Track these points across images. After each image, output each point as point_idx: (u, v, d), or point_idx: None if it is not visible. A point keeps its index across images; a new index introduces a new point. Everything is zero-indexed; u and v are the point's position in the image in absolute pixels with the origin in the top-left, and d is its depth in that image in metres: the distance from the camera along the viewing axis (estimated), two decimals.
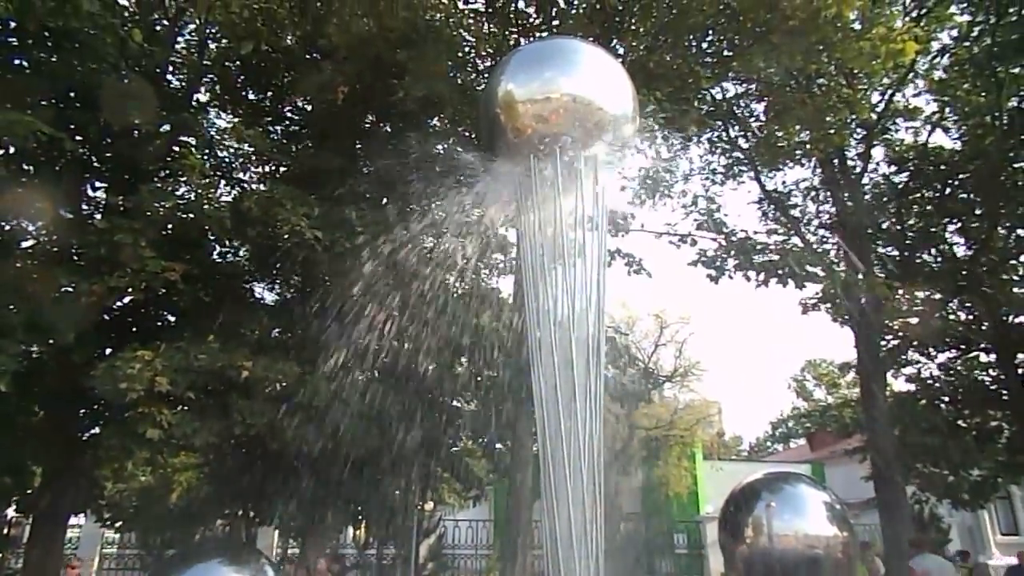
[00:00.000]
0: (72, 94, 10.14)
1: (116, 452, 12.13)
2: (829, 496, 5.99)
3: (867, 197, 16.46)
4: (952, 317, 17.25)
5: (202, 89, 12.46)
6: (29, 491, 11.43)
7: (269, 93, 12.21)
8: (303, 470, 9.76)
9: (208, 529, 13.32)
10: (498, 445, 15.08)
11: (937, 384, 17.86)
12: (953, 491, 17.13)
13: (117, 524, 14.21)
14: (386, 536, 17.14)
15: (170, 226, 9.76)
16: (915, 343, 17.40)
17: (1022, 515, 24.85)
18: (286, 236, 9.11)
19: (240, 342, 9.43)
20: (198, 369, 8.59)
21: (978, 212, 15.90)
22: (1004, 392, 16.93)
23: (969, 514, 23.58)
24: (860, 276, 14.28)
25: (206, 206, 9.60)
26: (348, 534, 21.01)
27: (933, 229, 16.58)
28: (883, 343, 16.74)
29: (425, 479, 11.65)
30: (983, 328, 16.82)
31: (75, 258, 9.38)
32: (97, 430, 11.42)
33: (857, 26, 11.02)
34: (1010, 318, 16.44)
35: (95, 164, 10.82)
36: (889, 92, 15.66)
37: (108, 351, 9.71)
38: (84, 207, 10.99)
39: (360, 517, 13.66)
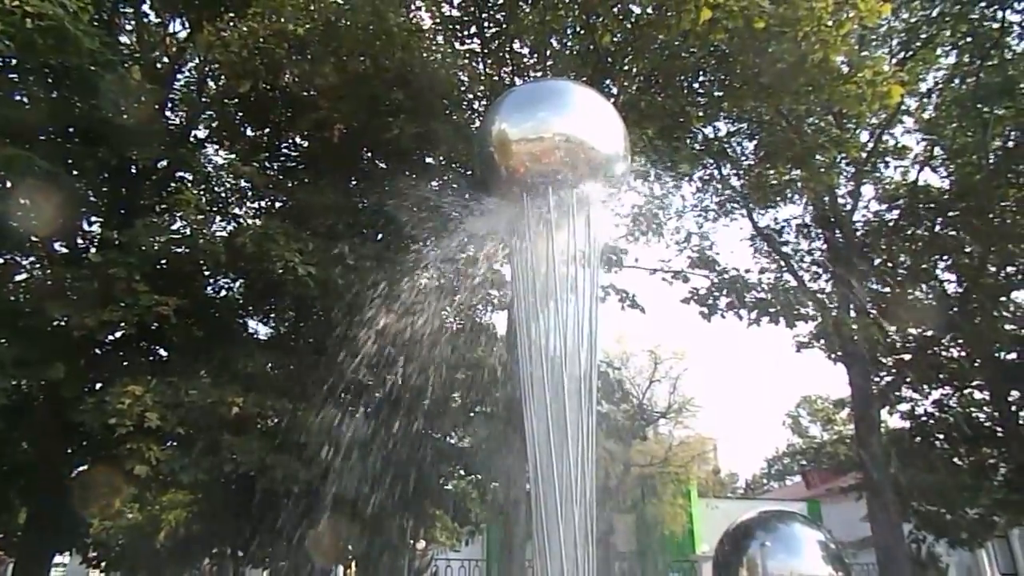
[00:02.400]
0: (70, 129, 10.24)
1: (104, 489, 11.99)
2: (824, 535, 5.95)
3: (858, 234, 16.62)
4: (944, 354, 17.30)
5: (200, 125, 12.60)
6: (13, 528, 11.23)
7: (266, 130, 12.35)
8: (292, 509, 9.61)
9: (195, 569, 13.07)
10: (492, 484, 14.92)
11: (932, 421, 17.83)
12: (951, 530, 16.98)
13: (102, 564, 13.91)
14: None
15: (164, 261, 9.77)
16: (908, 380, 17.41)
17: (1020, 554, 24.54)
18: (279, 271, 9.12)
19: (232, 378, 9.36)
20: (188, 405, 8.52)
21: (968, 249, 16.06)
22: (999, 429, 16.91)
23: (967, 553, 23.33)
24: (853, 314, 14.36)
25: (201, 241, 9.62)
26: (339, 573, 20.63)
27: (924, 266, 16.72)
28: (876, 380, 16.75)
29: (418, 517, 11.48)
30: (975, 365, 16.86)
31: (68, 292, 9.35)
32: (85, 467, 11.29)
33: (845, 69, 11.26)
34: (1002, 355, 16.48)
35: (91, 199, 10.88)
36: (878, 132, 15.94)
37: (98, 386, 9.64)
38: (79, 241, 11.01)
39: (350, 557, 13.43)
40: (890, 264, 16.90)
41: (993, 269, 16.04)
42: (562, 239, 5.03)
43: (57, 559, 19.19)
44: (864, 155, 15.74)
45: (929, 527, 17.35)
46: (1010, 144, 14.74)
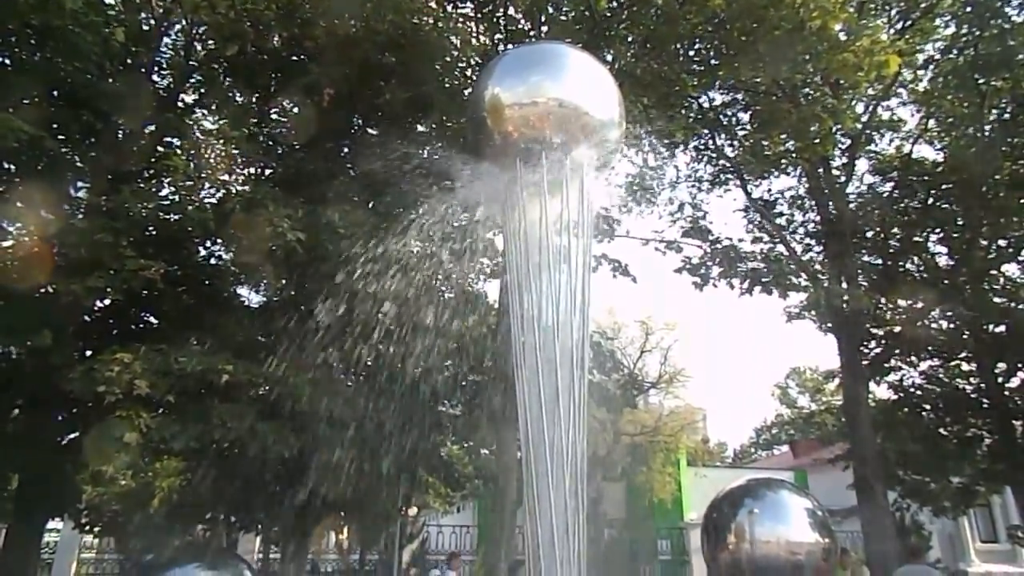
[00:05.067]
0: (55, 93, 10.02)
1: (95, 456, 11.99)
2: (811, 503, 6.02)
3: (852, 206, 16.61)
4: (934, 326, 17.43)
5: (188, 90, 12.36)
6: (5, 495, 11.23)
7: (255, 95, 12.13)
8: (285, 476, 9.65)
9: (188, 535, 13.16)
10: (483, 450, 15.05)
11: (919, 392, 18.03)
12: (934, 498, 17.29)
13: (95, 529, 13.99)
14: (369, 542, 17.05)
15: (152, 227, 9.64)
16: (898, 351, 17.56)
17: (1001, 522, 25.06)
18: (269, 238, 9.03)
19: (222, 345, 9.31)
20: (178, 372, 8.47)
21: (960, 222, 16.09)
22: (984, 400, 17.12)
23: (950, 521, 23.80)
24: (844, 285, 14.41)
25: (189, 207, 9.49)
26: (331, 539, 20.88)
27: (916, 239, 16.76)
28: (866, 351, 16.89)
29: (410, 484, 11.57)
30: (964, 337, 17.00)
31: (55, 259, 9.24)
32: (75, 434, 11.27)
33: (843, 37, 11.13)
34: (990, 327, 16.62)
35: (78, 164, 10.69)
36: (873, 103, 15.84)
37: (88, 353, 9.57)
38: (66, 207, 10.85)
39: (343, 523, 13.56)
40: (882, 236, 16.93)
41: (984, 242, 16.09)
42: (555, 207, 4.98)
43: (50, 524, 19.34)
44: (859, 127, 15.66)
45: (913, 496, 17.66)
46: (1006, 116, 14.67)
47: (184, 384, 8.68)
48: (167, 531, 12.56)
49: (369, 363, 10.47)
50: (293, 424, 9.15)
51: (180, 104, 12.15)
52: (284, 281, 11.39)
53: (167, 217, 9.68)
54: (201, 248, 11.22)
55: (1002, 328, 16.43)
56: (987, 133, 14.48)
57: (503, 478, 11.63)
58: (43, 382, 9.44)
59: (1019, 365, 16.51)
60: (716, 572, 6.39)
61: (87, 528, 13.54)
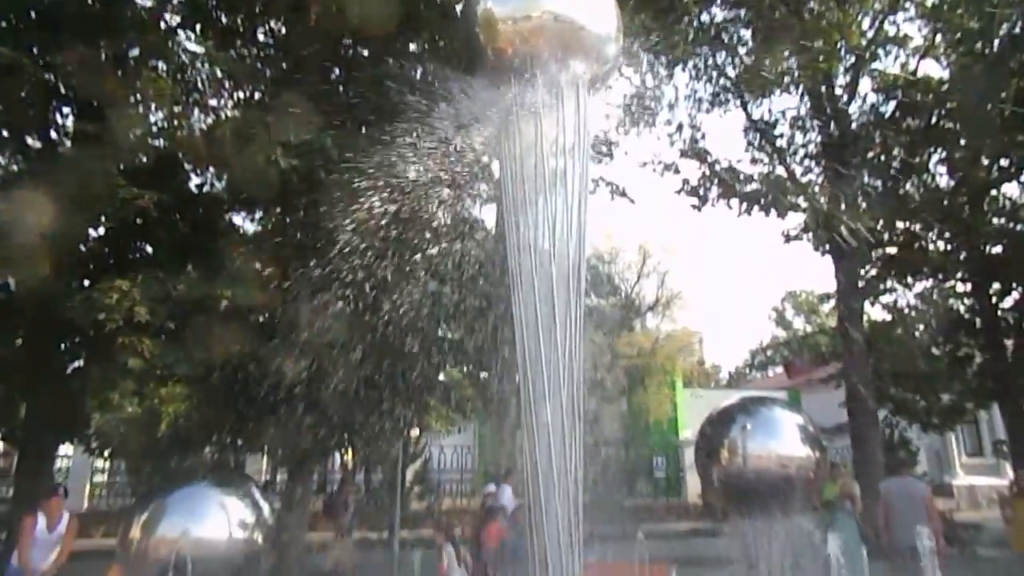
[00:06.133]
0: (32, 14, 9.66)
1: (100, 384, 12.18)
2: (803, 419, 6.16)
3: (853, 127, 16.34)
4: (931, 247, 17.47)
5: (171, 11, 11.89)
6: (16, 423, 11.48)
7: (241, 15, 11.68)
8: (288, 399, 9.82)
9: (197, 457, 13.50)
10: (482, 374, 15.29)
11: (913, 313, 18.23)
12: (923, 415, 17.74)
13: (105, 453, 14.36)
14: (373, 462, 17.55)
15: (143, 155, 9.48)
16: (894, 272, 17.65)
17: (987, 438, 25.82)
18: (261, 165, 8.89)
19: (219, 272, 9.31)
20: (177, 299, 8.51)
21: (962, 143, 15.86)
22: (977, 321, 17.35)
23: (936, 437, 24.50)
24: (843, 206, 14.33)
25: (179, 134, 9.30)
26: (336, 460, 21.50)
27: (917, 159, 16.56)
28: (863, 272, 16.99)
29: (412, 406, 11.78)
30: (961, 259, 17.06)
31: (47, 187, 9.12)
32: (80, 362, 11.43)
33: None
34: (987, 248, 16.66)
35: (61, 91, 10.41)
36: (880, 17, 15.34)
37: (86, 283, 9.59)
38: (53, 135, 10.63)
39: (347, 444, 13.90)
40: (883, 157, 16.72)
41: (986, 162, 15.91)
42: (551, 126, 4.88)
43: (61, 450, 19.85)
44: (864, 42, 15.22)
45: (903, 413, 18.11)
46: (1016, 31, 14.24)
47: (183, 311, 8.73)
48: (175, 454, 12.89)
49: (368, 289, 10.50)
50: (293, 348, 9.25)
51: (163, 26, 11.72)
52: (279, 209, 11.29)
53: (156, 144, 9.50)
54: (194, 175, 11.08)
55: (999, 248, 16.48)
56: (995, 49, 14.09)
57: (503, 400, 11.87)
58: (43, 312, 9.50)
59: (1014, 285, 16.64)
60: (709, 486, 6.61)
61: (97, 452, 13.87)
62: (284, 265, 10.04)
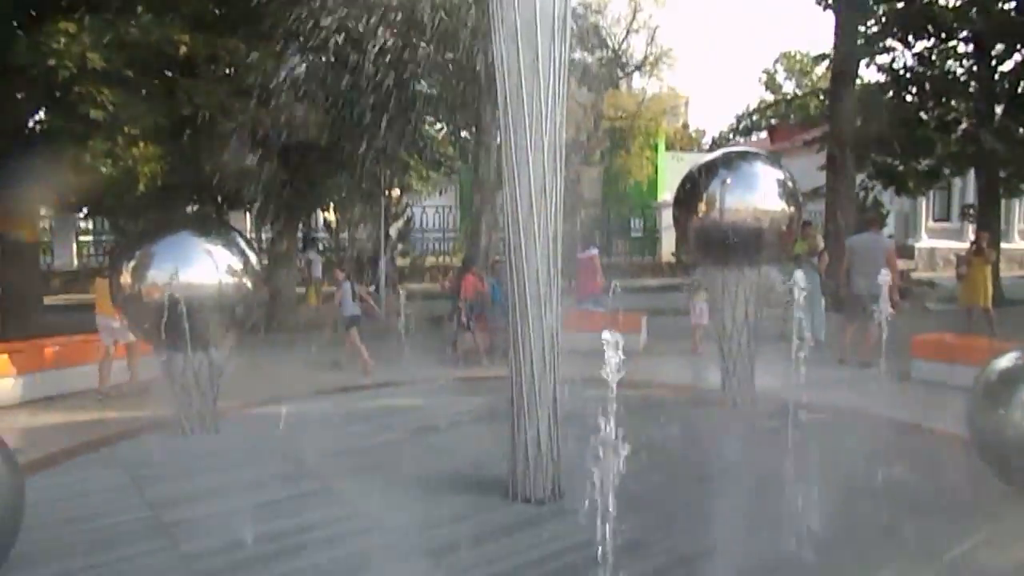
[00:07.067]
0: None
1: (66, 139, 11.76)
2: (783, 174, 6.14)
3: None
4: (938, 4, 16.45)
5: None
6: None
7: None
8: (263, 153, 9.60)
9: (178, 213, 13.54)
10: (463, 132, 14.97)
11: (908, 75, 17.64)
12: (900, 178, 17.95)
13: (84, 210, 14.34)
14: (356, 220, 17.80)
15: None
16: (897, 29, 16.77)
17: (957, 204, 26.52)
18: None
19: (175, 15, 8.54)
20: (131, 44, 7.88)
21: None
22: (972, 83, 16.89)
23: (908, 201, 25.13)
24: None
25: None
26: (319, 219, 21.79)
27: None
28: (863, 29, 16.15)
29: (390, 161, 11.62)
30: (969, 17, 16.10)
31: None
32: (41, 115, 10.92)
33: None
34: (1000, 4, 15.69)
35: None
36: None
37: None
38: None
39: (328, 200, 13.95)
40: None
41: None
42: None
43: (43, 212, 19.78)
44: None
45: (881, 176, 18.29)
46: None
47: (141, 57, 8.15)
48: (157, 211, 12.90)
49: (338, 40, 9.79)
50: (262, 100, 8.82)
51: None
52: None
53: None
54: None
55: (1012, 3, 15.53)
56: None
57: (483, 156, 11.73)
58: None
59: (1018, 47, 15.97)
60: (683, 239, 6.78)
61: (75, 209, 13.83)
62: (248, 9, 9.19)
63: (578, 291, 10.93)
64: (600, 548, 2.38)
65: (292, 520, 3.94)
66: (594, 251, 11.62)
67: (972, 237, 14.36)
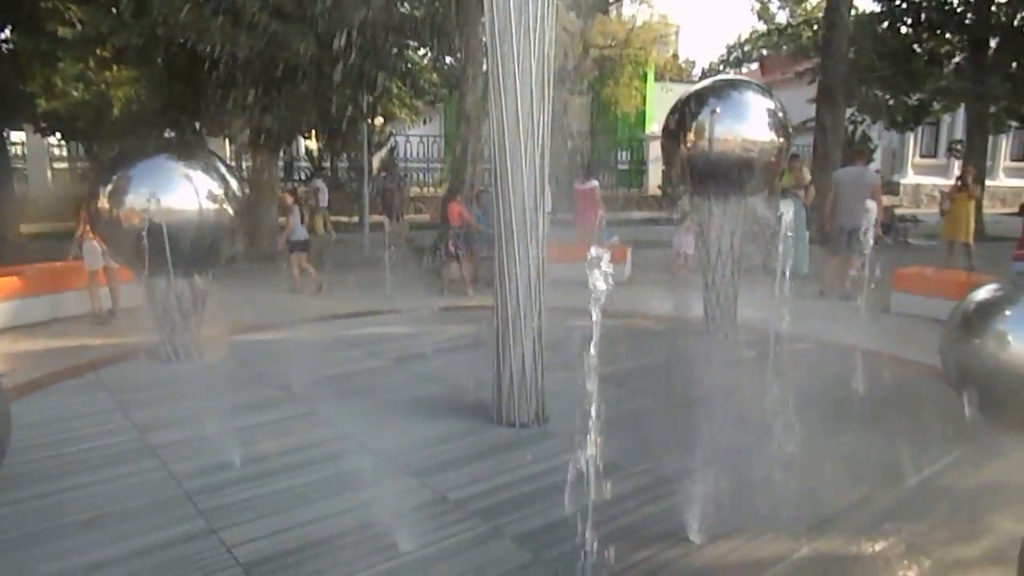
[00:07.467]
0: None
1: (36, 59, 11.31)
2: (774, 103, 6.05)
3: None
4: None
5: None
6: None
7: None
8: (240, 77, 9.28)
9: (155, 139, 13.20)
10: (448, 59, 14.56)
11: (903, 4, 17.26)
12: (890, 113, 17.81)
13: (58, 135, 13.92)
14: (338, 149, 17.46)
15: None
16: None
17: (944, 140, 26.43)
18: None
19: None
20: None
21: None
22: (968, 16, 16.59)
23: (895, 137, 25.01)
24: None
25: None
26: (302, 149, 21.36)
27: None
28: None
29: (372, 87, 11.30)
30: None
31: None
32: (7, 34, 10.49)
33: None
34: None
35: None
36: None
37: None
38: None
39: (309, 130, 13.62)
40: None
41: None
42: None
43: (15, 138, 19.20)
44: None
45: (870, 111, 18.14)
46: None
47: None
48: (133, 136, 12.55)
49: None
50: (239, 22, 8.48)
51: None
52: None
53: None
54: None
55: None
56: None
57: (469, 86, 11.45)
58: None
59: None
60: (671, 169, 6.72)
61: (49, 133, 13.43)
62: None
63: (577, 222, 10.92)
64: (582, 468, 2.44)
65: (279, 441, 4.00)
66: (594, 183, 11.54)
67: (958, 173, 14.40)
